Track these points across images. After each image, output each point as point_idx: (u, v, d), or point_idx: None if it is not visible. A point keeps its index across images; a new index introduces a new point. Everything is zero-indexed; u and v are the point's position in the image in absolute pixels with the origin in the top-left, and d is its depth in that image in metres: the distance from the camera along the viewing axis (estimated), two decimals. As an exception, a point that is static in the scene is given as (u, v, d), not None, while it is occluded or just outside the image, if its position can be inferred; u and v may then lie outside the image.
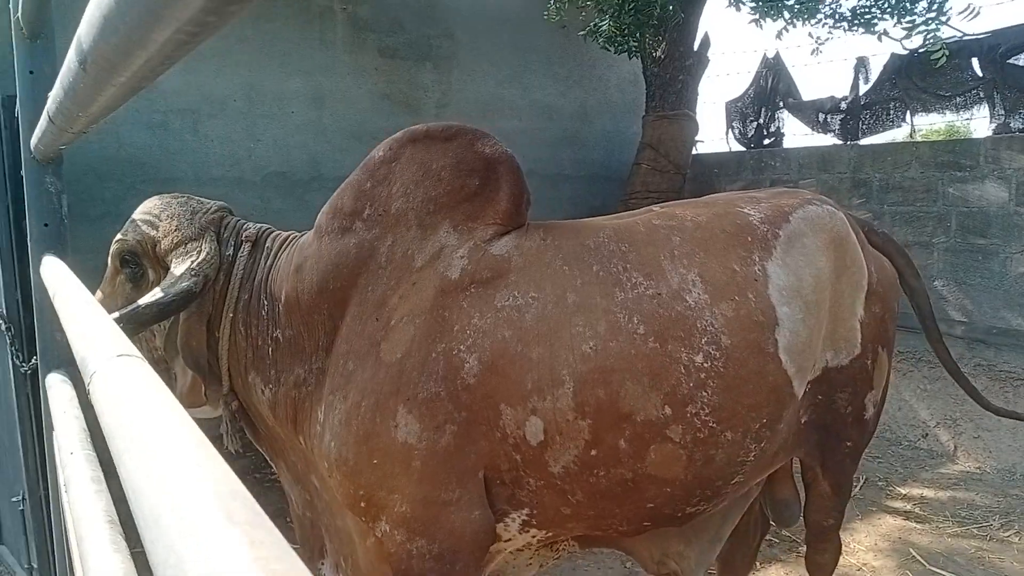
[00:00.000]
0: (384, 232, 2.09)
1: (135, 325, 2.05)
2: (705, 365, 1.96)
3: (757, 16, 5.92)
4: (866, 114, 6.72)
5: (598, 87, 7.60)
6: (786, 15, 5.90)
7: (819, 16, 6.05)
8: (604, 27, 6.18)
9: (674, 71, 6.61)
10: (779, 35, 6.19)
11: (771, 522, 2.77)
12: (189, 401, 2.33)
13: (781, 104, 7.41)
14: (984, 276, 5.29)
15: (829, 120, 7.00)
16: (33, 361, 2.27)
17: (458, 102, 6.76)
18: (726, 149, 7.72)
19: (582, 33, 6.38)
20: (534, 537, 2.18)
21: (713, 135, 8.20)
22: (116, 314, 2.03)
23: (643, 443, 1.96)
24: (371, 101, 6.33)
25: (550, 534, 2.19)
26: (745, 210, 2.20)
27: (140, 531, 0.51)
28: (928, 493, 4.54)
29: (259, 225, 2.39)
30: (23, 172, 1.93)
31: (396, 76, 6.46)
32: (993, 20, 6.42)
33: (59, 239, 1.95)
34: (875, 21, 5.92)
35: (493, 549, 2.16)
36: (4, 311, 2.80)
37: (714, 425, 1.98)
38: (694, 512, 2.15)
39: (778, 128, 7.46)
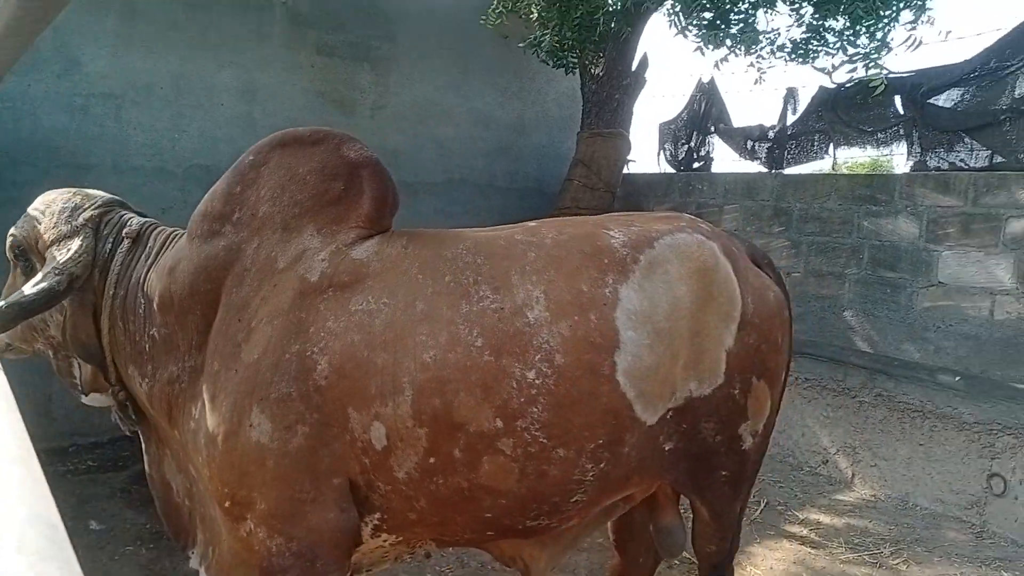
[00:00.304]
0: (251, 235, 2.16)
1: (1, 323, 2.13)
2: (536, 382, 2.00)
3: (701, 43, 6.04)
4: (792, 144, 6.91)
5: (536, 100, 7.66)
6: (728, 43, 6.04)
7: (759, 46, 6.19)
8: (545, 41, 6.25)
9: (611, 89, 6.71)
10: (718, 65, 6.32)
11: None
12: (91, 388, 2.46)
13: (712, 129, 7.57)
14: (891, 308, 5.51)
15: (757, 148, 7.18)
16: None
17: (394, 105, 6.72)
18: (657, 170, 7.85)
19: (522, 45, 6.42)
20: (385, 541, 2.25)
21: (645, 155, 8.34)
22: None
23: (476, 453, 2.02)
24: (305, 99, 6.25)
25: (400, 539, 2.26)
26: (611, 232, 2.22)
27: None
28: (824, 519, 4.69)
29: (144, 220, 2.44)
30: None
31: (333, 75, 6.39)
32: (917, 60, 6.69)
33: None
34: (814, 53, 6.11)
35: (362, 548, 2.24)
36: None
37: (545, 441, 2.02)
38: (536, 526, 2.19)
39: (708, 152, 7.61)
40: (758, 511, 4.72)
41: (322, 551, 2.08)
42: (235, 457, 2.05)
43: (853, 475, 5.30)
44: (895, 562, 4.12)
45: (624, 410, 2.07)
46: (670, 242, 2.21)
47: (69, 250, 2.24)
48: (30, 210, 2.38)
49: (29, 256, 2.35)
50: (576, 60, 6.44)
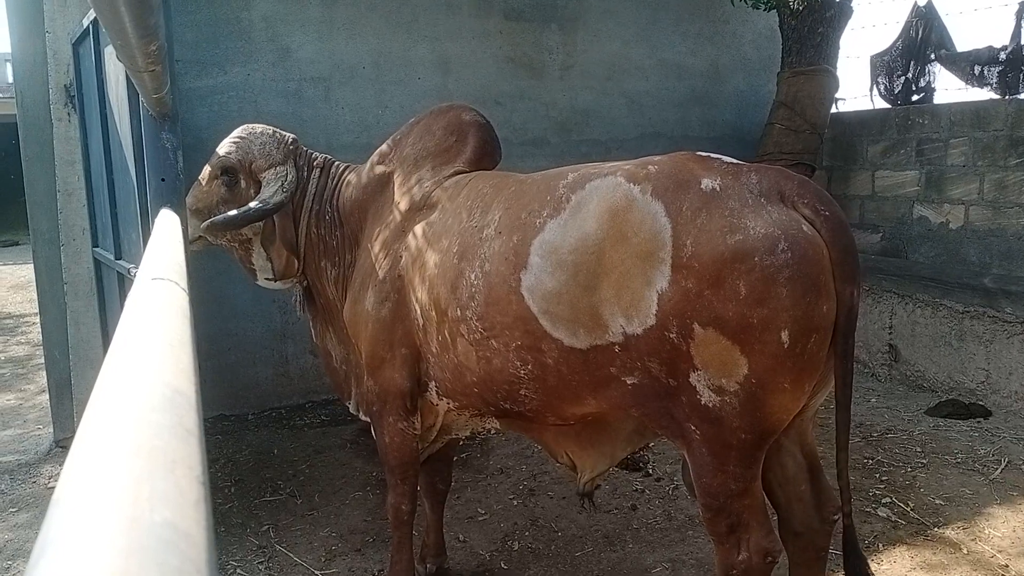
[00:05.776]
0: (397, 167, 3.04)
1: (244, 220, 2.99)
2: (475, 282, 2.52)
3: None
4: (1030, 65, 6.13)
5: (731, 44, 7.30)
6: None
7: None
8: (739, -19, 5.92)
9: (813, 23, 6.26)
10: None
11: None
12: (286, 274, 3.23)
13: (932, 57, 6.86)
14: None
15: (987, 73, 6.43)
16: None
17: (583, 63, 6.67)
18: (870, 107, 7.24)
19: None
20: (449, 404, 2.85)
21: (855, 92, 7.68)
22: (233, 212, 2.97)
23: (453, 335, 2.61)
24: (496, 65, 6.34)
25: (457, 404, 2.82)
26: (568, 174, 2.52)
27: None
28: (1080, 478, 4.19)
29: (323, 155, 3.32)
30: (141, 129, 2.09)
31: (521, 39, 6.43)
32: None
33: (175, 193, 2.10)
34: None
35: (439, 408, 2.90)
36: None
37: (483, 331, 2.51)
38: (509, 408, 2.64)
39: (928, 83, 6.91)
40: (998, 470, 4.28)
41: (389, 399, 2.89)
42: (356, 318, 2.93)
43: (1116, 432, 4.67)
44: None
45: (532, 320, 2.39)
46: (596, 184, 2.39)
47: (287, 175, 3.06)
48: (235, 138, 3.13)
49: (238, 174, 3.10)
50: (776, -3, 6.05)
